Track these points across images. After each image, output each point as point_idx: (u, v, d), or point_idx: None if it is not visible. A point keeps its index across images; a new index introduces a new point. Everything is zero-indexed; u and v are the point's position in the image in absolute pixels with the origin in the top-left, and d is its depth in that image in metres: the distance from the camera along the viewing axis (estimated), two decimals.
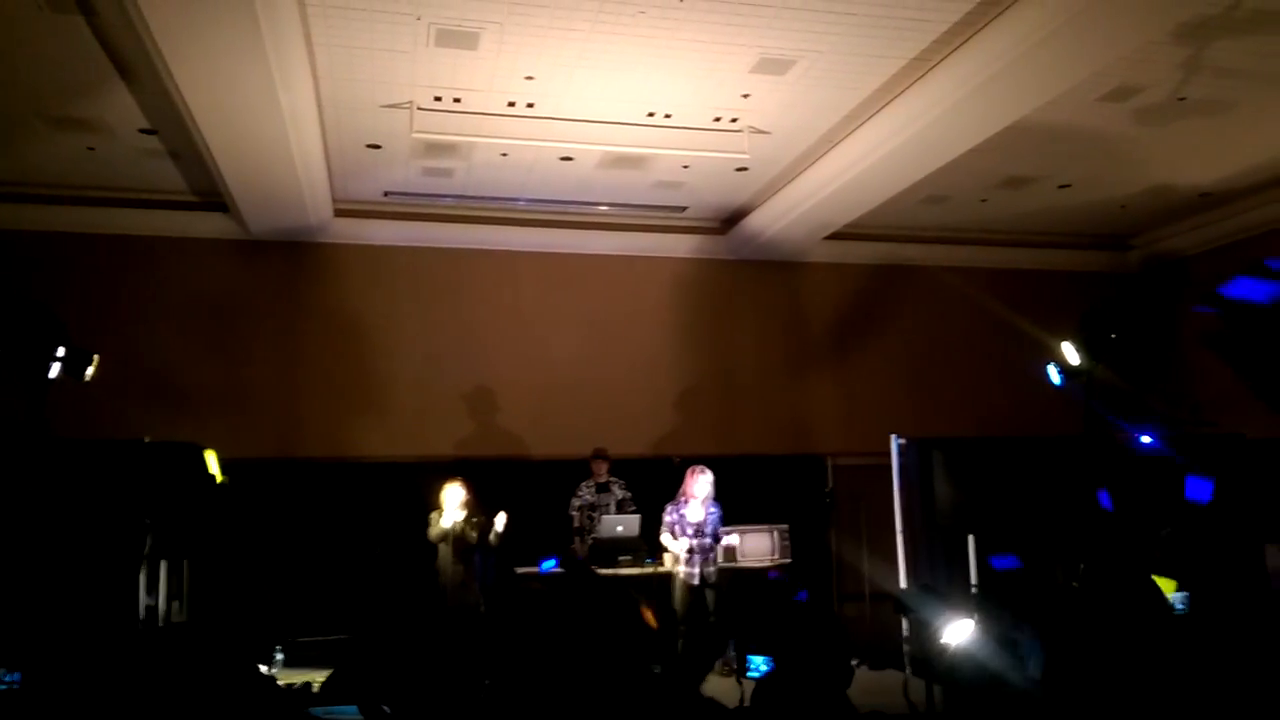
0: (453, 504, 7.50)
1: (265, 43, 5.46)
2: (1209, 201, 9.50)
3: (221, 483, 7.00)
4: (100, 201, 8.73)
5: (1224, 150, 8.16)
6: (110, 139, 7.59)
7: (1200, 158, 8.34)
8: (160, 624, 6.81)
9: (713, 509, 7.81)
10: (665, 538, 7.82)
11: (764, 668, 7.58)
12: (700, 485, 7.75)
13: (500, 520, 7.52)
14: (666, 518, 7.82)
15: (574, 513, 8.64)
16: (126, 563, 6.59)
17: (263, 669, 7.06)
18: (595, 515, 8.52)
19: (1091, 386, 7.26)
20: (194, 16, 5.18)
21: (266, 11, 5.23)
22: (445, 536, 7.49)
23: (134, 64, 6.31)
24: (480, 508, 7.64)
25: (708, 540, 7.74)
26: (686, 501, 7.76)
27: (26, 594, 6.08)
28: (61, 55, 6.20)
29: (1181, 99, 7.03)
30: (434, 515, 7.57)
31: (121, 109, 7.04)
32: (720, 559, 7.94)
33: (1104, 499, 6.52)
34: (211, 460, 7.06)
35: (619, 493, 8.69)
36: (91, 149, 7.79)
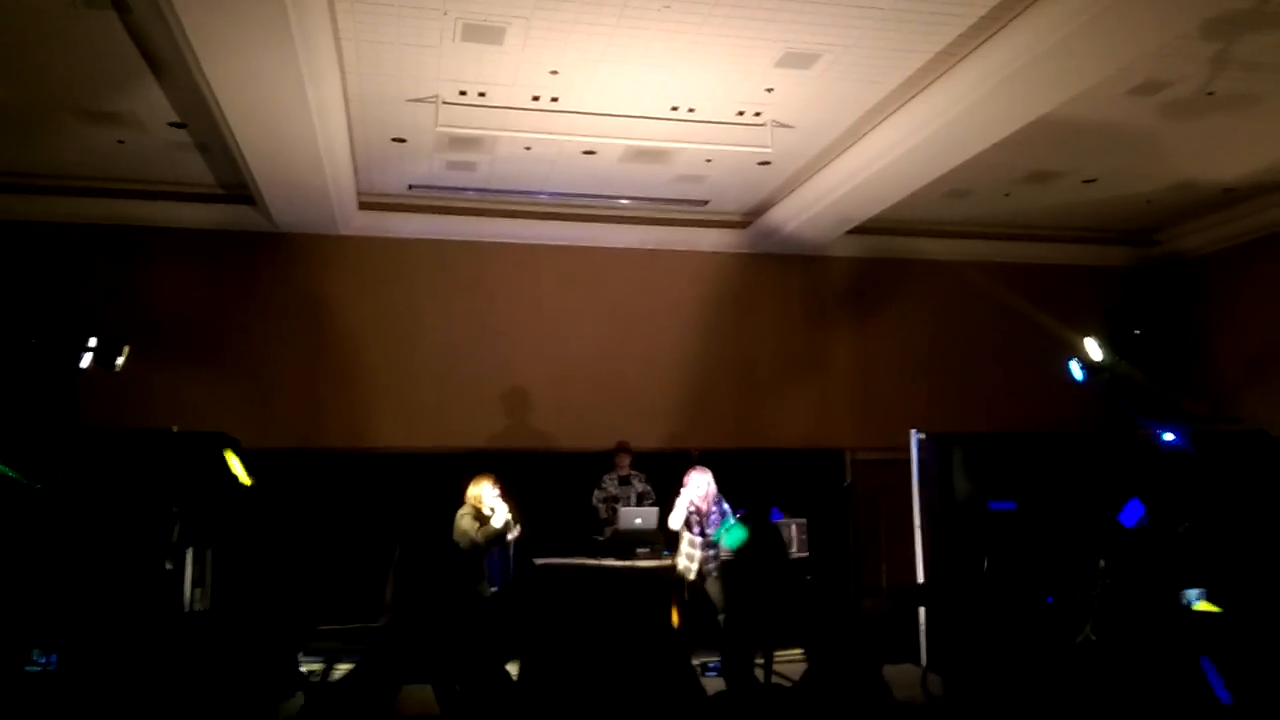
0: (497, 501, 7.31)
1: (294, 38, 5.52)
2: (1234, 197, 9.44)
3: (246, 485, 6.95)
4: (130, 194, 8.85)
5: (1251, 146, 8.10)
6: (140, 132, 7.68)
7: (1227, 153, 8.28)
8: (185, 611, 6.90)
9: (715, 507, 7.76)
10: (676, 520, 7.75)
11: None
12: (695, 478, 7.71)
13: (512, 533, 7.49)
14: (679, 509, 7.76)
15: (598, 504, 8.71)
16: (154, 551, 6.69)
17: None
18: (617, 507, 8.58)
19: (1114, 383, 7.25)
20: (225, 12, 5.24)
21: (296, 7, 5.28)
22: (499, 536, 7.29)
23: (165, 59, 6.38)
24: (511, 499, 7.57)
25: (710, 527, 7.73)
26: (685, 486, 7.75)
27: (58, 580, 6.18)
28: (94, 50, 6.28)
29: (1210, 93, 6.99)
30: (466, 514, 7.31)
31: (151, 103, 7.13)
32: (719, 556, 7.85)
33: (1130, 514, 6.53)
34: (233, 461, 6.97)
35: (639, 486, 8.76)
36: (121, 142, 7.89)
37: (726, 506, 7.80)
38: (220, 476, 7.17)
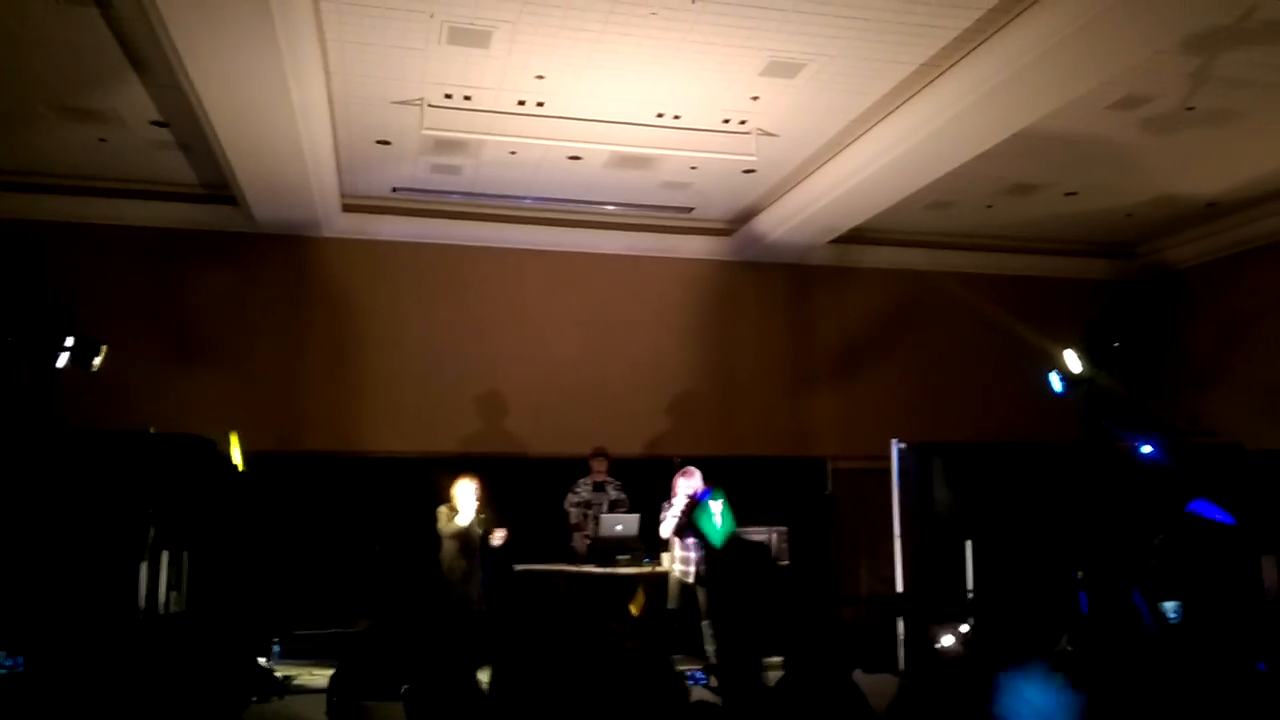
0: (468, 501, 7.49)
1: (279, 37, 5.49)
2: (1214, 212, 9.52)
3: (240, 471, 7.21)
4: (110, 193, 8.77)
5: (1231, 161, 8.18)
6: (121, 130, 7.62)
7: (1207, 168, 8.36)
8: (160, 614, 6.84)
9: (702, 499, 7.83)
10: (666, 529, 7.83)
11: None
12: (684, 485, 7.80)
13: (500, 536, 7.55)
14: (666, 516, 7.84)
15: (570, 509, 8.67)
16: (129, 552, 6.62)
17: (260, 661, 7.10)
18: (590, 513, 8.55)
19: (1092, 395, 7.29)
20: (208, 10, 5.20)
21: (280, 7, 5.25)
22: (461, 533, 7.48)
23: (147, 56, 6.33)
24: (491, 504, 7.66)
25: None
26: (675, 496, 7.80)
27: (31, 581, 6.10)
28: (75, 47, 6.22)
29: (1190, 109, 7.05)
30: (443, 510, 7.54)
31: (133, 101, 7.07)
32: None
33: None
34: (234, 449, 7.32)
35: (613, 493, 8.70)
36: (103, 140, 7.82)
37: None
38: (198, 478, 7.14)
